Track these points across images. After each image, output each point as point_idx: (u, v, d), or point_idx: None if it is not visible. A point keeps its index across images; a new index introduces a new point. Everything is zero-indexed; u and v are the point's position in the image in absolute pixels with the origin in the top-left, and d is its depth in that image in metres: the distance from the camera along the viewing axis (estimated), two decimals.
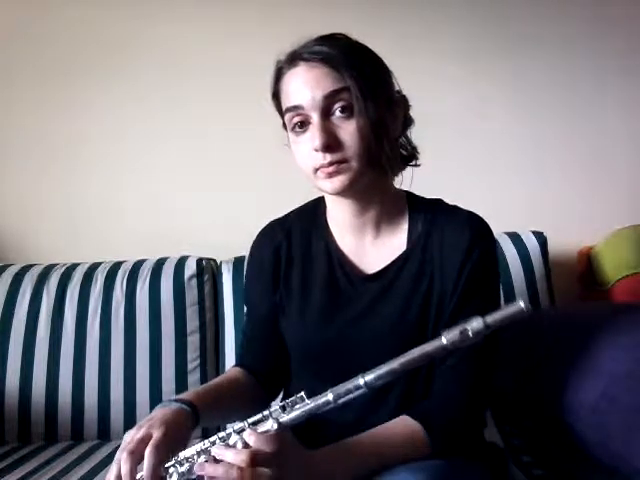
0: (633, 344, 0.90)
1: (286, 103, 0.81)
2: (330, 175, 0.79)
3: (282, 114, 0.84)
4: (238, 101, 1.66)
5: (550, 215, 1.64)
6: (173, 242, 1.60)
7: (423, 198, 0.91)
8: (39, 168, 1.68)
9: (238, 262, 1.43)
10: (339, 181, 0.79)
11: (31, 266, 1.46)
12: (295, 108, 0.79)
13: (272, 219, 0.99)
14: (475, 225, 0.84)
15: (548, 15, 1.67)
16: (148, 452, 0.68)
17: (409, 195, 0.90)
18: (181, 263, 1.42)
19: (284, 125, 0.85)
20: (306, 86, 0.78)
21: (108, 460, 1.16)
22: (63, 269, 1.43)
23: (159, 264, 1.42)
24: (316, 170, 0.80)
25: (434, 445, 0.75)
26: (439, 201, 0.90)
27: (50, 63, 1.68)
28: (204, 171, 1.67)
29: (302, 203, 0.98)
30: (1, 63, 1.68)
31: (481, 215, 0.87)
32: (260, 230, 0.98)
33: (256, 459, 0.63)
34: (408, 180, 0.89)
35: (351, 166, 0.79)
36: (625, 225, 1.53)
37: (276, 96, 0.86)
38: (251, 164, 1.66)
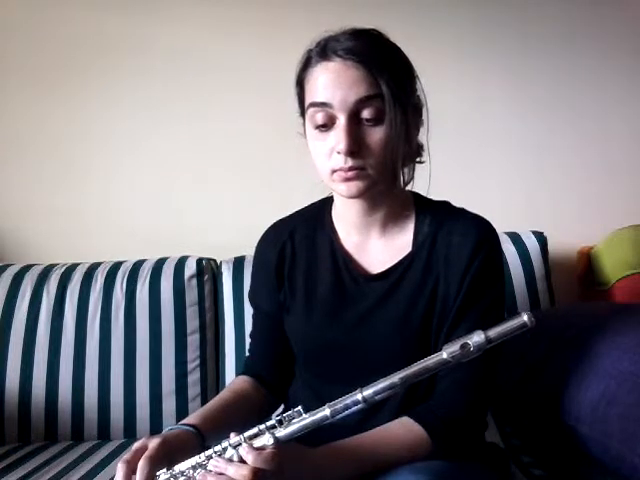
0: (633, 344, 0.90)
1: (313, 97, 0.79)
2: (347, 179, 0.78)
3: (302, 103, 0.83)
4: (238, 101, 1.66)
5: (550, 215, 1.64)
6: (173, 242, 1.60)
7: (430, 200, 0.90)
8: (39, 168, 1.68)
9: (238, 262, 1.43)
10: (355, 186, 0.78)
11: (31, 266, 1.45)
12: (322, 105, 0.77)
13: (273, 219, 0.98)
14: (481, 228, 0.84)
15: (550, 15, 1.67)
16: (141, 463, 0.68)
17: (416, 196, 0.90)
18: (181, 263, 1.42)
19: (302, 114, 0.84)
20: (339, 86, 0.76)
21: (108, 460, 1.16)
22: (63, 269, 1.43)
23: (159, 264, 1.42)
24: (333, 172, 0.78)
25: (437, 447, 0.75)
26: (446, 203, 0.90)
27: (49, 62, 1.67)
28: (204, 171, 1.67)
29: (302, 203, 0.98)
30: (2, 63, 1.68)
31: (481, 215, 0.87)
32: (265, 230, 0.98)
33: (257, 475, 0.63)
34: (419, 180, 0.88)
35: (369, 174, 0.78)
36: (625, 225, 1.53)
37: (300, 84, 0.83)
38: (251, 164, 1.66)
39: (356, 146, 0.76)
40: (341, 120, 0.76)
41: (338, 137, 0.76)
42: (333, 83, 0.76)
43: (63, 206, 1.68)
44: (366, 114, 0.76)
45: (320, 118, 0.78)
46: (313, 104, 0.78)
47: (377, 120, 0.76)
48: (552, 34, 1.67)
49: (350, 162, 0.76)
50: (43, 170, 1.68)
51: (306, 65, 0.81)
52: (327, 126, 0.78)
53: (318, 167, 0.81)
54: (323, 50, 0.78)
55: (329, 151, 0.78)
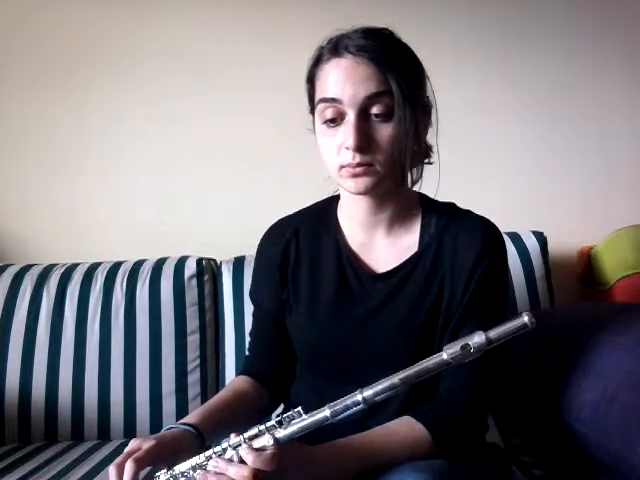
0: (633, 344, 0.90)
1: (323, 93, 0.79)
2: (355, 175, 0.78)
3: (312, 100, 0.83)
4: (239, 100, 1.66)
5: (550, 215, 1.64)
6: (173, 242, 1.60)
7: (436, 201, 0.90)
8: (39, 168, 1.68)
9: (238, 262, 1.43)
10: (363, 183, 0.78)
11: (31, 266, 1.45)
12: (332, 100, 0.77)
13: (273, 219, 0.98)
14: (488, 231, 0.84)
15: (550, 14, 1.67)
16: (128, 462, 0.69)
17: (422, 197, 0.90)
18: (181, 263, 1.42)
19: (311, 111, 0.84)
20: (349, 82, 0.76)
21: (108, 460, 1.16)
22: (63, 269, 1.43)
23: (159, 264, 1.42)
24: (341, 168, 0.79)
25: (438, 447, 0.75)
26: (452, 205, 0.90)
27: (47, 62, 1.67)
28: (204, 171, 1.67)
29: (303, 203, 0.98)
30: (1, 63, 1.68)
31: (481, 215, 0.87)
32: (268, 227, 0.98)
33: (257, 476, 0.63)
34: (425, 181, 0.88)
35: (377, 170, 0.78)
36: (625, 225, 1.54)
37: (311, 81, 0.84)
38: (252, 164, 1.66)
39: (365, 142, 0.76)
40: (350, 116, 0.77)
41: (347, 133, 0.77)
42: (343, 79, 0.77)
43: (63, 206, 1.68)
44: (375, 110, 0.77)
45: (330, 114, 0.78)
46: (323, 100, 0.79)
47: (386, 116, 0.77)
48: (552, 34, 1.67)
49: (358, 158, 0.77)
50: (43, 170, 1.68)
51: (317, 61, 0.82)
52: (336, 122, 0.78)
53: (326, 163, 0.82)
54: (335, 47, 0.79)
55: (338, 147, 0.78)
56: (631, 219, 1.55)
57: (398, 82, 0.76)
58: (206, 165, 1.67)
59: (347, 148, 0.77)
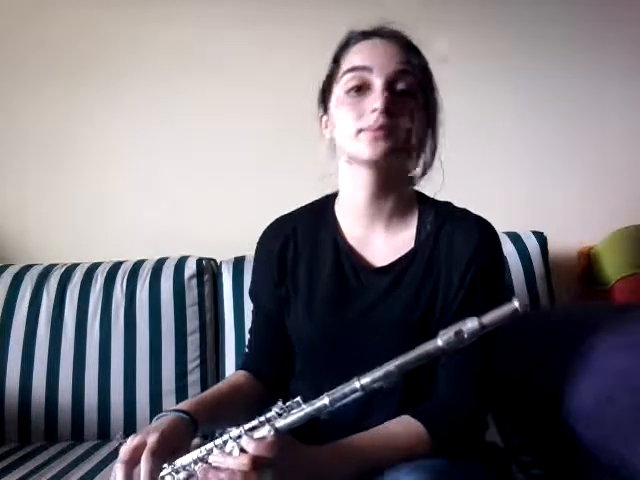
0: (633, 344, 0.90)
1: (353, 62, 0.83)
2: (375, 139, 0.79)
3: (330, 83, 0.86)
4: (238, 100, 1.66)
5: (550, 215, 1.64)
6: (173, 242, 1.60)
7: (433, 199, 0.91)
8: (39, 168, 1.68)
9: (238, 262, 1.43)
10: (380, 147, 0.79)
11: (31, 266, 1.46)
12: (362, 69, 0.81)
13: (273, 219, 0.99)
14: (484, 229, 0.85)
15: (552, 15, 1.67)
16: (144, 458, 0.67)
17: (419, 194, 0.92)
18: (181, 263, 1.42)
19: (322, 93, 0.88)
20: (380, 55, 0.82)
21: (108, 460, 1.16)
22: (63, 269, 1.43)
23: (159, 264, 1.42)
24: (360, 132, 0.80)
25: (438, 447, 0.75)
26: (448, 203, 0.91)
27: (51, 63, 1.67)
28: (204, 171, 1.67)
29: (303, 203, 0.98)
30: (1, 63, 1.68)
31: (481, 215, 0.88)
32: (267, 225, 0.98)
33: (257, 463, 0.63)
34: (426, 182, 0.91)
35: (397, 137, 0.80)
36: (625, 225, 1.53)
37: (337, 60, 0.87)
38: (251, 164, 1.66)
39: (391, 106, 0.79)
40: (378, 83, 0.80)
41: (374, 97, 0.80)
42: (376, 51, 0.82)
43: (63, 206, 1.68)
44: (401, 86, 0.81)
45: (357, 81, 0.81)
46: (353, 69, 0.82)
47: (410, 94, 0.81)
48: (553, 34, 1.67)
49: (382, 120, 0.78)
50: (44, 170, 1.68)
51: (346, 44, 0.86)
52: (362, 90, 0.81)
53: (342, 131, 0.83)
54: (364, 32, 0.85)
55: (359, 113, 0.81)
56: (631, 219, 1.55)
57: (421, 68, 0.83)
58: (206, 165, 1.67)
59: (373, 111, 0.79)
